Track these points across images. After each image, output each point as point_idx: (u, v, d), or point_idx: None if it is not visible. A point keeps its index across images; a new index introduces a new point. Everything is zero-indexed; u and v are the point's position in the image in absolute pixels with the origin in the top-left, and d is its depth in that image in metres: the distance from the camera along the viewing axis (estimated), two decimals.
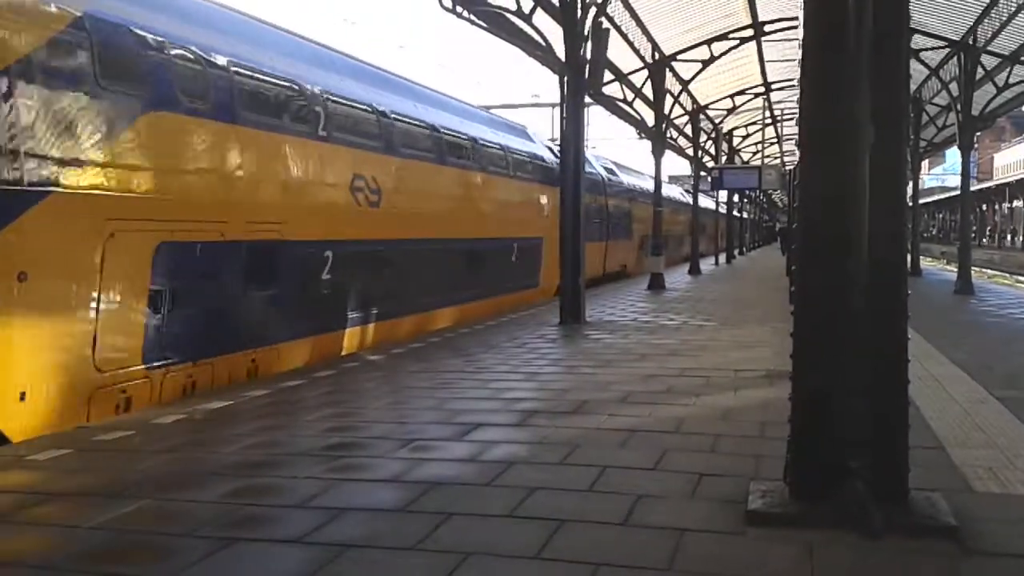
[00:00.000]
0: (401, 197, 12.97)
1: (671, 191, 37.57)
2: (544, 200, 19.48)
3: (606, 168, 27.99)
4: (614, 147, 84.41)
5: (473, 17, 13.38)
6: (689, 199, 42.18)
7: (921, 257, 28.75)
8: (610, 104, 22.08)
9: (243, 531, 4.14)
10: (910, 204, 25.34)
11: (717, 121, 33.25)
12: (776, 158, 46.05)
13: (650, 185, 32.29)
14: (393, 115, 13.26)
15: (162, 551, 3.92)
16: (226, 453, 5.67)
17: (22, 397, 6.78)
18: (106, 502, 4.59)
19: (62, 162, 7.10)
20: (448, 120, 15.53)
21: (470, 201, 15.96)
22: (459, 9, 12.96)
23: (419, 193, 13.74)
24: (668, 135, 26.30)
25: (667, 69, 23.11)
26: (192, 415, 6.92)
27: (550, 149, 21.48)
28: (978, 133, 22.02)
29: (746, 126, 37.81)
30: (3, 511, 4.51)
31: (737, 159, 41.27)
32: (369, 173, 12.06)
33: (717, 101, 30.26)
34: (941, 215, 51.41)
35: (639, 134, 26.10)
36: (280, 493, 4.76)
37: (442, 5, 12.71)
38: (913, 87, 23.82)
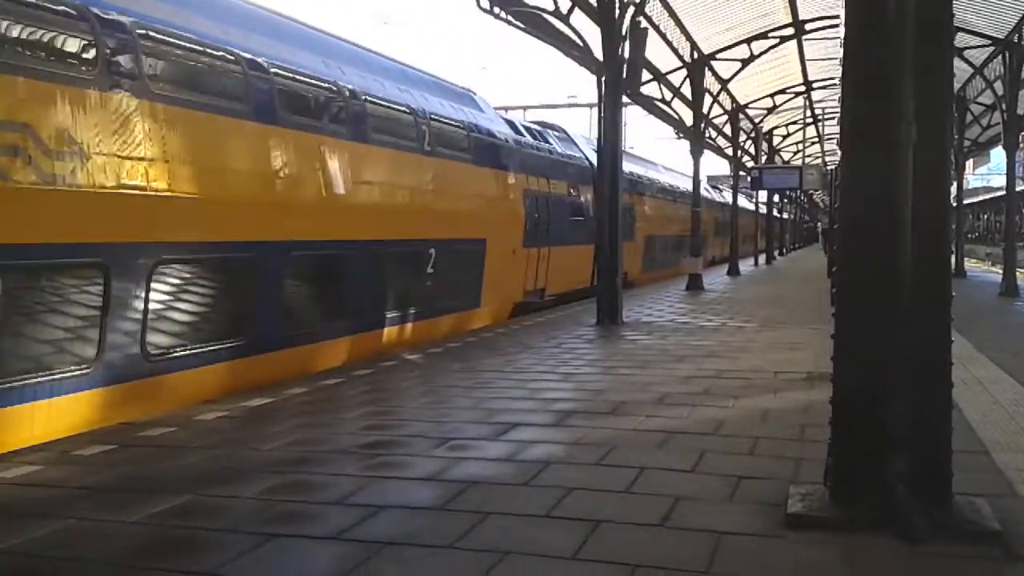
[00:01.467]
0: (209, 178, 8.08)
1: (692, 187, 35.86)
2: (491, 189, 14.76)
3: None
4: (652, 148, 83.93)
5: (510, 18, 13.40)
6: (717, 195, 40.81)
7: (965, 258, 28.22)
8: (648, 104, 21.98)
9: (282, 527, 4.19)
10: (954, 204, 25.01)
11: (757, 120, 32.95)
12: (817, 158, 45.54)
13: (665, 178, 30.83)
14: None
15: (204, 546, 3.98)
16: (266, 450, 5.74)
17: None
18: (148, 497, 4.66)
19: None
20: (306, 61, 10.30)
21: (350, 188, 10.49)
22: (496, 10, 12.99)
23: (237, 172, 8.62)
24: (707, 135, 26.13)
25: (706, 68, 22.95)
26: (233, 412, 7.01)
27: (512, 125, 17.60)
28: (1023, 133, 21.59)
29: (786, 125, 37.41)
30: (48, 505, 4.60)
31: (777, 159, 40.86)
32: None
33: (757, 100, 29.98)
34: (986, 216, 50.41)
35: (677, 134, 25.97)
36: (319, 490, 4.80)
37: (479, 6, 12.75)
38: (957, 85, 23.39)
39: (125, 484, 5.00)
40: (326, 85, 10.53)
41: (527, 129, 18.61)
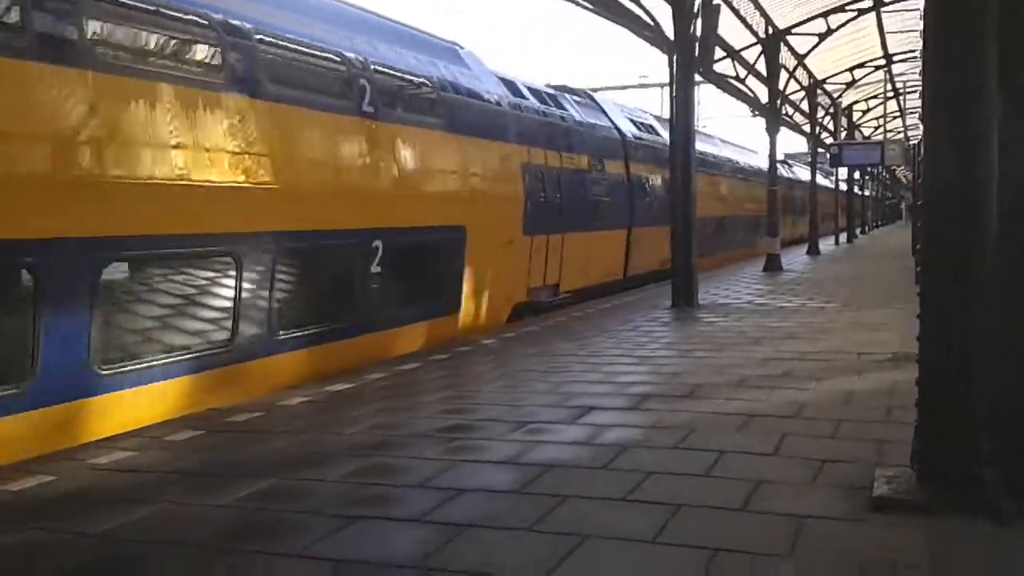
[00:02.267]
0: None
1: (753, 160, 32.28)
2: (473, 164, 11.78)
3: (635, 121, 20.50)
4: (726, 126, 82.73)
5: None
6: (785, 171, 37.76)
7: None
8: (721, 82, 21.59)
9: (365, 509, 4.28)
10: None
11: (835, 96, 32.14)
12: (899, 132, 44.30)
13: (719, 151, 27.56)
14: None
15: (291, 527, 4.08)
16: (349, 434, 5.86)
17: None
18: (236, 481, 4.81)
19: None
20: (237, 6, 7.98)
21: (284, 163, 8.12)
22: None
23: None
24: (783, 111, 25.59)
25: (781, 44, 22.44)
26: (316, 397, 7.16)
27: (511, 85, 14.22)
28: None
29: (866, 100, 36.43)
30: (141, 490, 4.78)
31: (857, 134, 39.85)
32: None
33: (835, 75, 29.23)
34: None
35: (752, 112, 25.52)
36: (400, 473, 4.89)
37: None
38: None
39: (213, 469, 5.16)
40: (277, 42, 8.37)
41: (534, 92, 15.21)
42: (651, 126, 21.36)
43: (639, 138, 19.63)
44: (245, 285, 7.58)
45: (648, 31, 14.06)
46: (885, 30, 24.89)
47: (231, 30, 7.76)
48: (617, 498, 4.32)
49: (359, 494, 4.55)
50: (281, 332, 8.08)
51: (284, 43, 8.53)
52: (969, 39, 3.91)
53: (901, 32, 24.20)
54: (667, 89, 14.73)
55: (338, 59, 9.21)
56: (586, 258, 15.58)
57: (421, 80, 10.86)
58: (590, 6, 13.65)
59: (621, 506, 4.23)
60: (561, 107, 15.99)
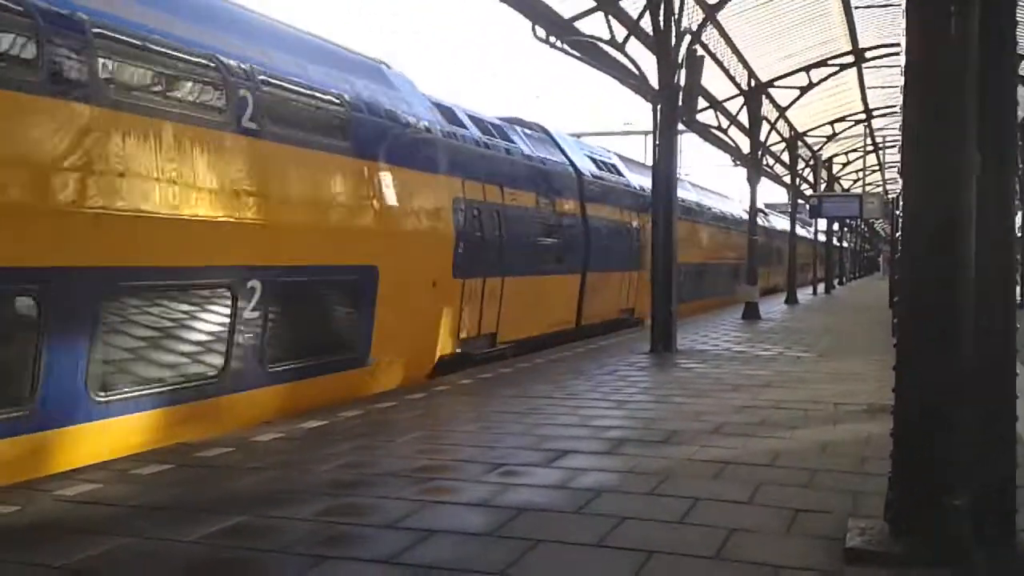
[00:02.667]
0: None
1: (727, 207, 32.17)
2: (388, 194, 10.16)
3: (595, 159, 19.05)
4: (708, 175, 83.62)
5: (567, 47, 13.49)
6: (761, 220, 35.89)
7: None
8: (704, 131, 21.90)
9: (335, 550, 4.21)
10: (1019, 233, 24.40)
11: (816, 148, 32.58)
12: (878, 186, 44.85)
13: (690, 195, 25.59)
14: None
15: (256, 568, 4.01)
16: (320, 472, 5.78)
17: None
18: (204, 517, 4.73)
19: None
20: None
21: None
22: (552, 39, 13.08)
23: None
24: (764, 162, 25.89)
25: (763, 96, 22.80)
26: (289, 434, 7.08)
27: (447, 111, 12.71)
28: None
29: (846, 153, 36.93)
30: (106, 523, 4.69)
31: (837, 187, 40.29)
32: None
33: (816, 128, 29.68)
34: None
35: (734, 161, 25.81)
36: (371, 513, 4.82)
37: (536, 36, 12.85)
38: (1021, 113, 22.95)
39: (181, 504, 5.07)
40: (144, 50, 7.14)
41: (475, 120, 13.65)
42: (613, 166, 20.10)
43: (599, 177, 18.34)
44: (47, 332, 6.07)
45: (633, 80, 14.26)
46: (866, 85, 25.35)
47: (66, 22, 6.37)
48: (590, 543, 4.28)
49: (329, 533, 4.48)
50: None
51: (126, 37, 6.97)
52: (948, 96, 3.98)
53: (881, 87, 24.64)
54: (651, 137, 14.88)
55: (210, 64, 7.78)
56: (531, 305, 14.12)
57: (327, 97, 9.41)
58: (578, 55, 13.84)
59: (594, 551, 4.18)
60: (507, 139, 14.51)
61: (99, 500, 5.13)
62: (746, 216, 31.69)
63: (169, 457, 6.22)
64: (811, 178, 34.19)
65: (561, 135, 18.24)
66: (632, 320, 19.23)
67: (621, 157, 21.88)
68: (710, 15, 15.52)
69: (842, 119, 29.45)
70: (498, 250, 13.04)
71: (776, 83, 22.40)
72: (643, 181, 19.74)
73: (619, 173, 20.04)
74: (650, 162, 15.72)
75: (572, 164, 17.05)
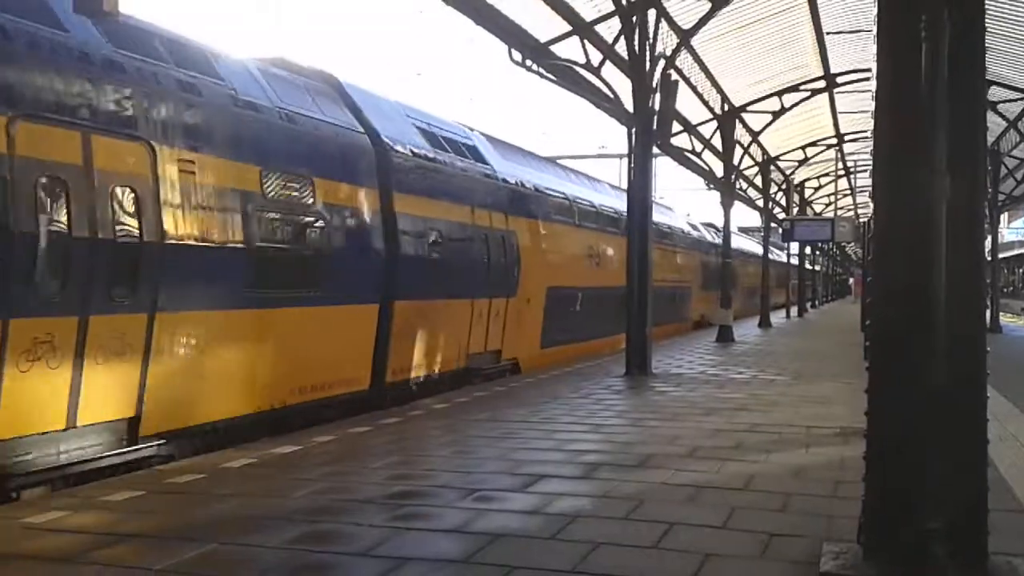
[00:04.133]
0: None
1: (670, 220, 27.65)
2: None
3: (426, 129, 13.32)
4: (682, 198, 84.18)
5: (542, 70, 13.57)
6: (709, 235, 33.40)
7: (1001, 313, 27.85)
8: (678, 155, 22.07)
9: None
10: (989, 258, 24.74)
11: (788, 172, 32.91)
12: (850, 210, 45.35)
13: (588, 194, 20.61)
14: None
15: None
16: (293, 498, 5.72)
17: None
18: (175, 544, 4.65)
19: None
20: None
21: None
22: (528, 63, 13.16)
23: None
24: (738, 186, 26.11)
25: (737, 120, 23.03)
26: (260, 459, 7.01)
27: (257, 77, 9.66)
28: None
29: (818, 177, 37.33)
30: (74, 551, 4.60)
31: (809, 211, 40.72)
32: None
33: (788, 152, 29.98)
34: (1021, 270, 49.83)
35: (708, 185, 26.00)
36: (344, 540, 4.77)
37: (512, 59, 12.92)
38: (991, 139, 23.34)
39: (151, 531, 4.99)
40: None
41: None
42: (468, 146, 14.41)
43: (425, 157, 12.49)
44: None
45: (608, 103, 14.36)
46: (837, 110, 25.66)
47: None
48: (565, 570, 4.25)
49: (302, 561, 4.42)
50: None
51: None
52: (917, 122, 4.03)
53: (853, 112, 24.95)
54: (626, 160, 14.97)
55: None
56: (219, 365, 8.48)
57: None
58: (553, 78, 13.93)
59: None
60: (212, 73, 8.88)
61: (67, 528, 5.03)
62: (693, 231, 30.24)
63: (140, 483, 6.13)
64: (784, 202, 34.54)
65: (367, 92, 12.26)
66: (500, 366, 14.12)
67: (488, 137, 16.15)
68: (684, 40, 15.67)
69: (814, 143, 29.77)
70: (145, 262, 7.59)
71: (749, 108, 22.63)
72: (531, 175, 16.39)
73: (479, 158, 14.42)
74: (625, 185, 15.79)
75: (370, 132, 11.34)
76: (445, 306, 12.51)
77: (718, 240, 30.98)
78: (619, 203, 19.88)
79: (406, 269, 11.50)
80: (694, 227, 31.01)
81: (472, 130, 15.59)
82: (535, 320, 15.87)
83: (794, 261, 42.23)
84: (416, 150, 12.42)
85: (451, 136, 14.10)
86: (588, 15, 13.67)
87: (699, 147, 22.60)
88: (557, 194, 17.90)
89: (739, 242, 34.60)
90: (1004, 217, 39.11)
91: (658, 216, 23.30)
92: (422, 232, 12.05)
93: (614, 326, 17.27)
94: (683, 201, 75.84)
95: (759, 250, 40.90)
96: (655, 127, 14.09)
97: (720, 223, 33.36)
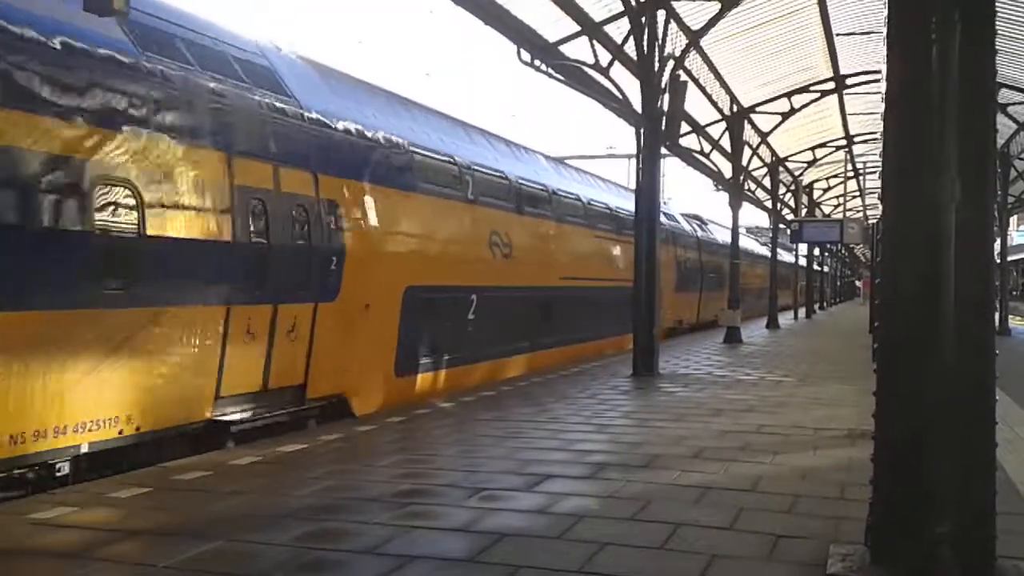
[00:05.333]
0: None
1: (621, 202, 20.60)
2: None
3: (207, 45, 8.70)
4: (690, 198, 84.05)
5: (551, 71, 13.57)
6: (687, 225, 28.32)
7: (1009, 316, 27.75)
8: (687, 156, 22.04)
9: (313, 575, 4.16)
10: (998, 261, 24.65)
11: (797, 173, 32.83)
12: (859, 211, 45.19)
13: (556, 182, 16.98)
14: None
15: None
16: (298, 496, 5.72)
17: None
18: (181, 541, 4.66)
19: None
20: None
21: None
22: (537, 63, 13.16)
23: None
24: (746, 187, 26.05)
25: (745, 121, 22.99)
26: (266, 457, 7.02)
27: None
28: None
29: (827, 179, 37.22)
30: (82, 547, 4.62)
31: (818, 212, 40.62)
32: None
33: (797, 153, 29.90)
34: None
35: (716, 186, 25.95)
36: (350, 538, 4.77)
37: (520, 59, 12.91)
38: (1000, 141, 23.26)
39: (158, 528, 5.01)
40: None
41: None
42: (253, 66, 9.28)
43: (130, 67, 7.49)
44: None
45: (617, 103, 14.35)
46: (847, 112, 25.59)
47: None
48: (571, 570, 4.25)
49: (308, 558, 4.43)
50: None
51: None
52: (927, 124, 4.01)
53: (862, 114, 24.89)
54: (634, 161, 14.94)
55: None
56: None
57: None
58: (562, 78, 13.93)
59: None
60: None
61: (75, 524, 5.05)
62: (665, 220, 24.88)
63: (147, 480, 6.15)
64: (792, 203, 34.43)
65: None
66: (301, 411, 9.21)
67: (332, 71, 11.46)
68: (693, 41, 15.65)
69: (823, 145, 29.70)
70: None
71: (758, 109, 22.59)
72: (385, 123, 11.24)
73: (271, 85, 9.33)
74: (633, 185, 15.37)
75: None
76: (150, 318, 7.37)
77: (703, 234, 29.01)
78: (553, 177, 16.97)
79: (35, 253, 6.53)
80: (669, 216, 25.14)
81: (280, 51, 10.29)
82: (383, 336, 10.66)
83: (802, 263, 42.15)
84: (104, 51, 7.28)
85: (213, 46, 8.85)
86: (597, 15, 13.66)
87: (708, 148, 22.56)
88: (434, 155, 12.27)
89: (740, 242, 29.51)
90: (1013, 220, 38.92)
91: (601, 193, 19.89)
92: (86, 190, 6.85)
93: (537, 337, 14.58)
94: (692, 202, 75.71)
95: (761, 250, 40.85)
96: (664, 128, 14.07)
97: (707, 216, 32.57)
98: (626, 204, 19.51)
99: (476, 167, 13.44)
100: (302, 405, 9.22)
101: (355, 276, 9.93)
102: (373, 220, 10.53)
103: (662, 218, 17.30)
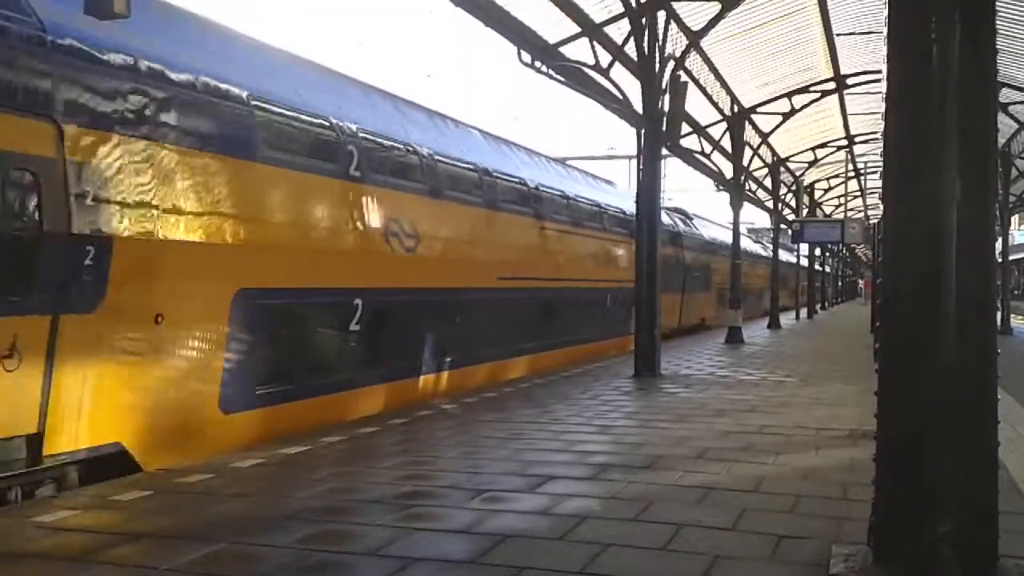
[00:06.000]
0: None
1: (606, 197, 19.89)
2: None
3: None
4: (691, 199, 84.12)
5: (551, 72, 13.57)
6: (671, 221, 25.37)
7: (1011, 315, 27.73)
8: (688, 156, 22.03)
9: None
10: (999, 260, 24.63)
11: (798, 173, 32.83)
12: (860, 211, 45.19)
13: (530, 173, 15.67)
14: None
15: None
16: (301, 498, 5.73)
17: None
18: (184, 544, 4.67)
19: None
20: None
21: None
22: (537, 64, 13.16)
23: None
24: (747, 187, 26.04)
25: (746, 121, 23.00)
26: (269, 460, 7.02)
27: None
28: None
29: (828, 179, 37.23)
30: (85, 550, 4.62)
31: (819, 212, 40.62)
32: None
33: (798, 153, 29.89)
34: None
35: (717, 186, 25.95)
36: (353, 540, 4.77)
37: (521, 60, 12.92)
38: (1001, 141, 23.25)
39: (160, 531, 5.01)
40: None
41: None
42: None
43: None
44: None
45: (617, 104, 14.35)
46: (847, 112, 25.59)
47: None
48: (574, 571, 4.25)
49: (310, 561, 4.43)
50: None
51: None
52: (928, 124, 4.01)
53: (863, 114, 24.89)
54: (635, 161, 14.93)
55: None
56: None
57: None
58: (562, 79, 13.93)
59: None
60: None
61: (77, 527, 5.06)
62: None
63: (149, 483, 6.15)
64: (793, 203, 34.44)
65: None
66: (49, 470, 6.43)
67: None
68: (694, 41, 15.65)
69: (824, 145, 29.69)
70: None
71: (759, 109, 22.59)
72: (191, 56, 7.95)
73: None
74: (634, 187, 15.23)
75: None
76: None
77: (685, 228, 26.83)
78: (490, 156, 14.34)
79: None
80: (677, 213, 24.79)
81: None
82: (195, 359, 7.76)
83: (803, 262, 42.15)
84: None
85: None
86: (598, 16, 13.66)
87: (708, 148, 22.57)
88: (296, 114, 9.45)
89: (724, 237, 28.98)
90: (1015, 219, 38.91)
91: (585, 188, 18.15)
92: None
93: (459, 352, 12.21)
94: (692, 202, 75.71)
95: (759, 250, 40.82)
96: (664, 128, 14.07)
97: (695, 212, 31.63)
98: (596, 195, 18.21)
99: (367, 135, 10.55)
100: (35, 464, 6.22)
101: (132, 275, 6.93)
102: (175, 195, 7.43)
103: (632, 209, 15.39)
